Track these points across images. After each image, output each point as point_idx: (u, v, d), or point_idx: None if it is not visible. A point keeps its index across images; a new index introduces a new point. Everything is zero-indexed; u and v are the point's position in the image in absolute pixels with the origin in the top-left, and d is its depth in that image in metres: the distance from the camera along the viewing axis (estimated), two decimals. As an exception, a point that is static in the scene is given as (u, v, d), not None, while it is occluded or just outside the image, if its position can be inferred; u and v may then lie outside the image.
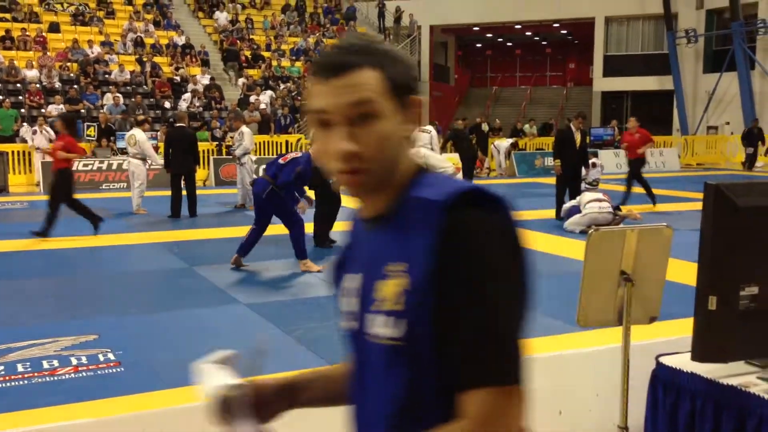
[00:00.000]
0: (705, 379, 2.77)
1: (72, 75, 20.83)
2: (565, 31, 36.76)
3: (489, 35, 38.03)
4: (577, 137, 11.06)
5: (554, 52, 40.05)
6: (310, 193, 8.19)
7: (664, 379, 2.94)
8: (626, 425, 2.91)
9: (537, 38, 38.98)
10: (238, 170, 12.93)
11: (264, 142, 19.51)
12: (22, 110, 18.74)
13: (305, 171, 7.26)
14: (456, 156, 19.97)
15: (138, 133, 12.17)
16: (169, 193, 11.76)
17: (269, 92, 22.39)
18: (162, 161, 12.27)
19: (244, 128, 12.65)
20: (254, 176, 12.11)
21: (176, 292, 6.44)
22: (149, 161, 12.38)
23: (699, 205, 2.61)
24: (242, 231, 10.14)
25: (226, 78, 23.87)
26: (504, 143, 20.67)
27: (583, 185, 11.85)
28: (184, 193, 11.69)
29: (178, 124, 12.26)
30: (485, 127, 21.65)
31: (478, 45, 40.51)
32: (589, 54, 31.63)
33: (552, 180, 15.66)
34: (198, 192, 12.08)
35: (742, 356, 2.81)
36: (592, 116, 28.91)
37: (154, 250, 8.66)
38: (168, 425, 3.39)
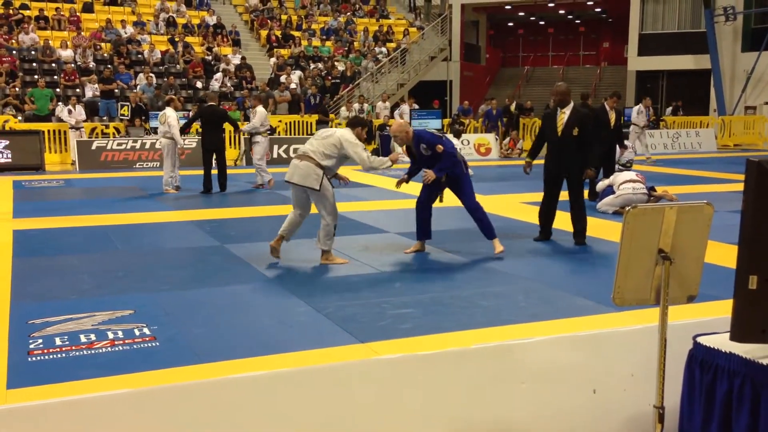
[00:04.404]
0: (744, 359, 2.73)
1: (105, 55, 21.03)
2: (599, 9, 36.11)
3: (521, 14, 37.51)
4: (612, 117, 10.93)
5: (588, 30, 39.41)
6: None
7: (701, 359, 2.91)
8: (662, 405, 2.87)
9: (570, 17, 38.37)
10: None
11: (293, 121, 19.55)
12: (57, 90, 18.97)
13: None
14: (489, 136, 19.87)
15: (169, 112, 12.20)
16: (199, 172, 12.15)
17: (298, 72, 22.38)
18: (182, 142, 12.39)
19: (259, 108, 12.81)
20: (260, 158, 12.32)
21: (209, 269, 6.50)
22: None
23: (736, 187, 2.56)
24: (271, 210, 10.22)
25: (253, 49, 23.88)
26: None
27: (616, 167, 11.70)
28: (214, 172, 12.06)
29: (209, 103, 12.50)
30: (512, 107, 21.49)
31: (510, 24, 40.00)
32: (624, 32, 31.03)
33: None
34: (229, 171, 12.46)
35: (782, 336, 2.75)
36: (626, 96, 28.45)
37: (186, 227, 8.75)
38: (203, 398, 3.44)
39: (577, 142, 7.34)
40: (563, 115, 7.39)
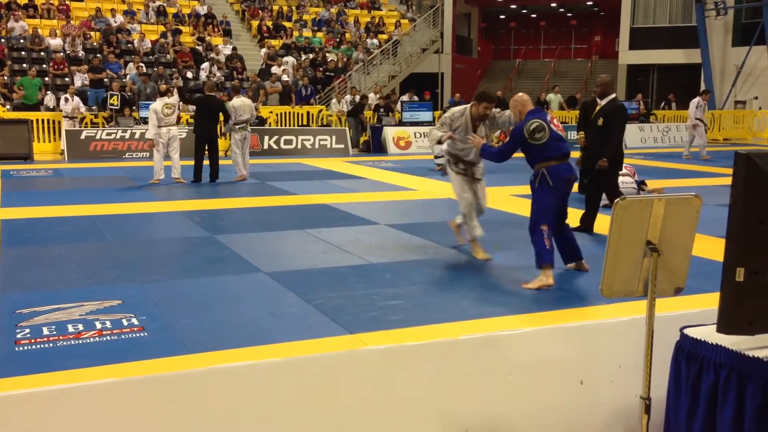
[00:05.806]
0: (730, 351, 2.74)
1: (95, 44, 20.88)
2: (590, 3, 36.15)
3: (513, 6, 37.50)
4: (602, 110, 10.94)
5: (579, 24, 39.44)
6: None
7: (688, 350, 2.92)
8: (649, 396, 2.89)
9: (562, 10, 38.39)
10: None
11: (285, 112, 19.50)
12: (46, 79, 18.83)
13: None
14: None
15: (175, 102, 12.38)
16: (189, 162, 12.12)
17: (291, 59, 22.27)
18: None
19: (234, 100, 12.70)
20: (237, 150, 12.19)
21: (198, 260, 6.48)
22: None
23: (725, 180, 2.57)
24: (262, 201, 10.21)
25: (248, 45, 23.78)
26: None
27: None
28: (206, 163, 12.05)
29: (207, 93, 12.55)
30: None
31: (502, 17, 39.98)
32: (615, 26, 31.08)
33: (574, 153, 15.49)
34: (221, 162, 12.37)
35: (768, 329, 2.77)
36: (618, 90, 28.51)
37: (176, 218, 8.72)
38: (191, 388, 3.43)
39: (602, 133, 7.60)
40: (599, 106, 7.76)
